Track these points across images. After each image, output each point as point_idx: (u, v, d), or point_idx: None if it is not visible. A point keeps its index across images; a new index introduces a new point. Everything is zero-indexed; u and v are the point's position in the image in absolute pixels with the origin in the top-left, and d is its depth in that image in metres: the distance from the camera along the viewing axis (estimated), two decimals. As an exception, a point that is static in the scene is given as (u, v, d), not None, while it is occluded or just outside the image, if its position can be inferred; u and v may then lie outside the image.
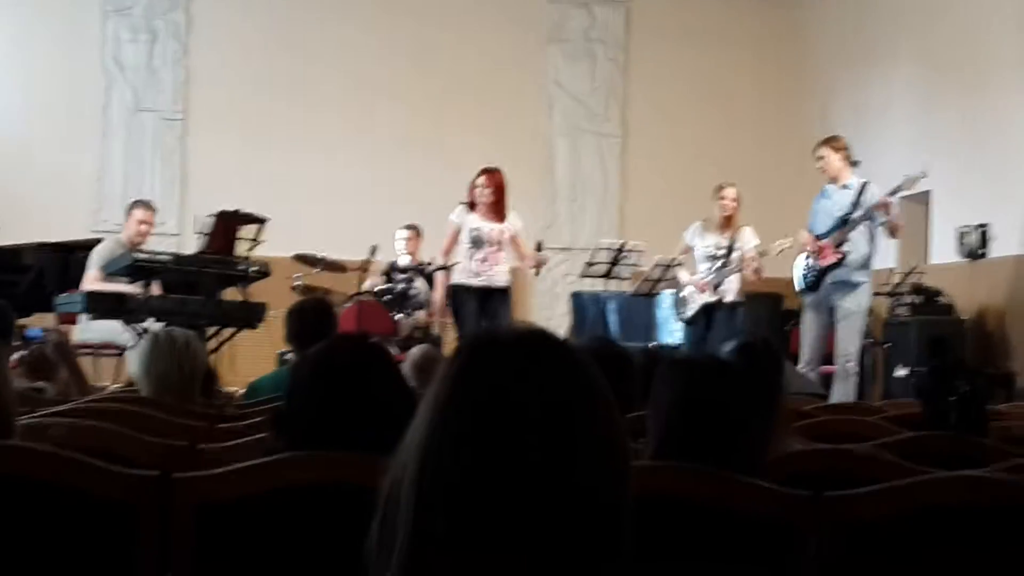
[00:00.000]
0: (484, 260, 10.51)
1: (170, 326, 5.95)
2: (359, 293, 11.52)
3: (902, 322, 12.11)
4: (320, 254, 11.95)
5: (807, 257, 10.16)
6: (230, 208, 10.25)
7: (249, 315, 10.12)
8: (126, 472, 2.92)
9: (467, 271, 10.54)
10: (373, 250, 11.55)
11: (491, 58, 15.48)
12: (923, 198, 12.89)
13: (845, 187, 10.12)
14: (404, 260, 12.09)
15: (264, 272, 10.19)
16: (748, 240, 10.70)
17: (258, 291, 10.41)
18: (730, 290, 10.71)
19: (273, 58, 15.07)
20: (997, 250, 11.86)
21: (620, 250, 11.34)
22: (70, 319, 10.30)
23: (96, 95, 14.97)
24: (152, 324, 9.05)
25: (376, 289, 11.84)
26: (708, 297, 10.70)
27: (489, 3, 15.53)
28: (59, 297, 10.03)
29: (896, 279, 12.46)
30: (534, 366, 1.55)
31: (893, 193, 9.91)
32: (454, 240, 10.67)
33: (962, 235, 12.13)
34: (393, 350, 6.02)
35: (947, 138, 12.54)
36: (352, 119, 15.07)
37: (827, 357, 10.29)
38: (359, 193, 14.77)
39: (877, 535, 2.98)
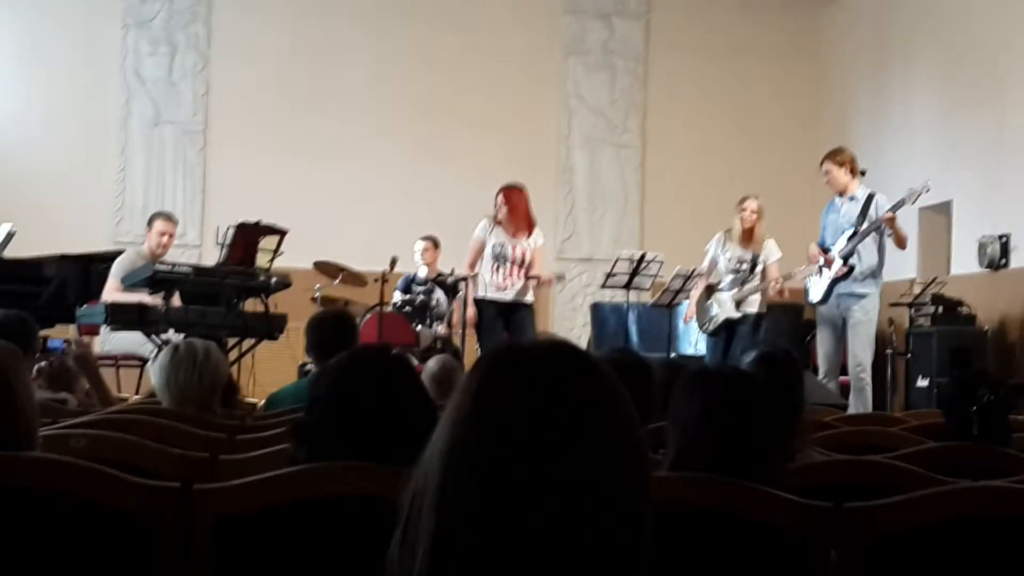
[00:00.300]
0: (507, 276, 10.49)
1: (190, 337, 5.95)
2: (380, 304, 11.51)
3: (923, 332, 12.08)
4: (340, 265, 11.95)
5: (817, 271, 10.19)
6: (250, 219, 10.27)
7: (269, 326, 10.13)
8: (146, 483, 2.92)
9: (490, 286, 10.51)
10: (393, 262, 11.55)
11: (511, 70, 15.50)
12: (944, 208, 12.86)
13: (852, 199, 10.12)
14: (422, 272, 12.09)
15: (285, 283, 10.19)
16: (772, 253, 10.68)
17: (279, 302, 10.42)
18: (752, 302, 10.67)
19: (293, 70, 15.10)
20: (1018, 260, 11.81)
21: (640, 261, 11.31)
22: (91, 330, 10.32)
23: (116, 108, 15.03)
24: (172, 335, 9.06)
25: (396, 300, 11.86)
26: (732, 313, 10.67)
27: (509, 15, 15.54)
28: (80, 308, 10.05)
29: (917, 289, 12.42)
30: (555, 378, 1.54)
31: (897, 207, 9.88)
32: (478, 254, 10.63)
33: (983, 245, 12.08)
34: (413, 361, 6.01)
35: (968, 148, 12.51)
36: (372, 130, 15.10)
37: (845, 368, 10.29)
38: (379, 204, 14.79)
39: (898, 546, 2.96)
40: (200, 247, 14.44)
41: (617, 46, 15.96)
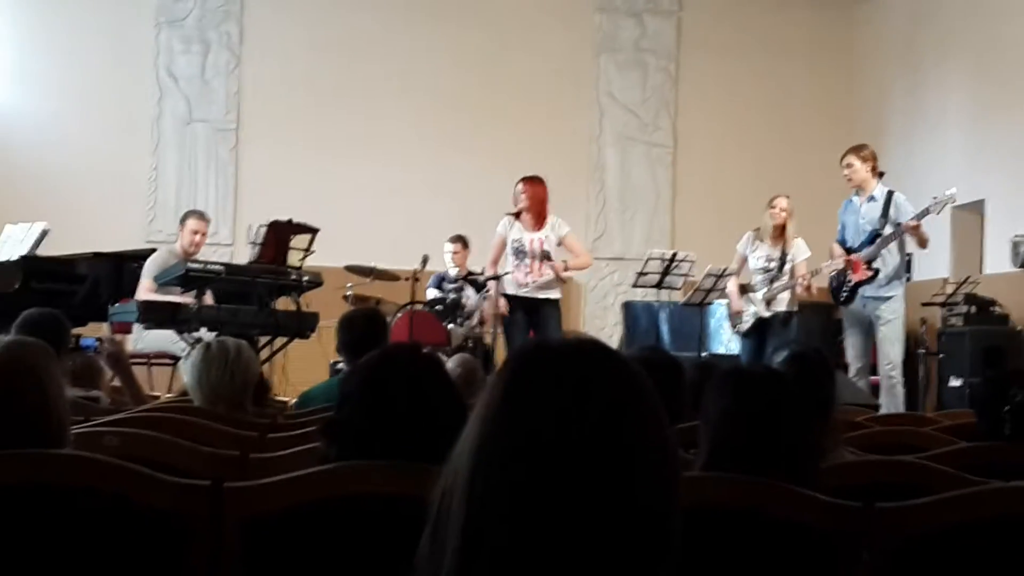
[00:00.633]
0: (529, 271, 10.49)
1: (222, 335, 5.97)
2: (412, 303, 11.52)
3: (956, 332, 12.02)
4: (371, 264, 11.96)
5: (840, 272, 10.18)
6: (283, 218, 10.29)
7: (301, 325, 10.14)
8: (177, 482, 2.93)
9: (514, 282, 10.52)
10: (424, 260, 11.56)
11: (542, 68, 15.50)
12: (978, 208, 12.80)
13: (872, 199, 10.08)
14: (452, 271, 12.11)
15: (316, 282, 10.21)
16: (800, 251, 10.64)
17: (311, 301, 10.44)
18: (783, 300, 10.64)
19: (325, 68, 15.14)
20: (1052, 259, 11.76)
21: (672, 260, 11.29)
22: (124, 328, 10.37)
23: (150, 106, 15.11)
24: (205, 334, 9.09)
25: (430, 297, 11.88)
26: (763, 311, 10.64)
27: (541, 13, 15.55)
28: (113, 307, 10.09)
29: (949, 289, 12.37)
30: (584, 375, 1.54)
31: (922, 216, 9.81)
32: (500, 251, 10.65)
33: (1017, 244, 12.02)
34: (445, 360, 6.02)
35: (1002, 147, 12.45)
36: (404, 129, 15.12)
37: (874, 367, 10.27)
38: (410, 201, 14.83)
39: (930, 547, 2.95)
40: (232, 245, 14.49)
41: (649, 44, 15.95)
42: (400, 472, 2.78)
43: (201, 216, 10.84)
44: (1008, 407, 4.35)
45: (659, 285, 11.39)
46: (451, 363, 6.56)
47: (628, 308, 14.03)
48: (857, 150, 10.25)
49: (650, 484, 1.52)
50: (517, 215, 10.56)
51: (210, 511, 2.85)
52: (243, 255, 11.42)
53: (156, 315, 9.62)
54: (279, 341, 10.23)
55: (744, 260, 10.88)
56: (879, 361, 10.10)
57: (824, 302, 11.10)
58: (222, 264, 10.20)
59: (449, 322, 11.65)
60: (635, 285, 11.72)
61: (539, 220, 10.58)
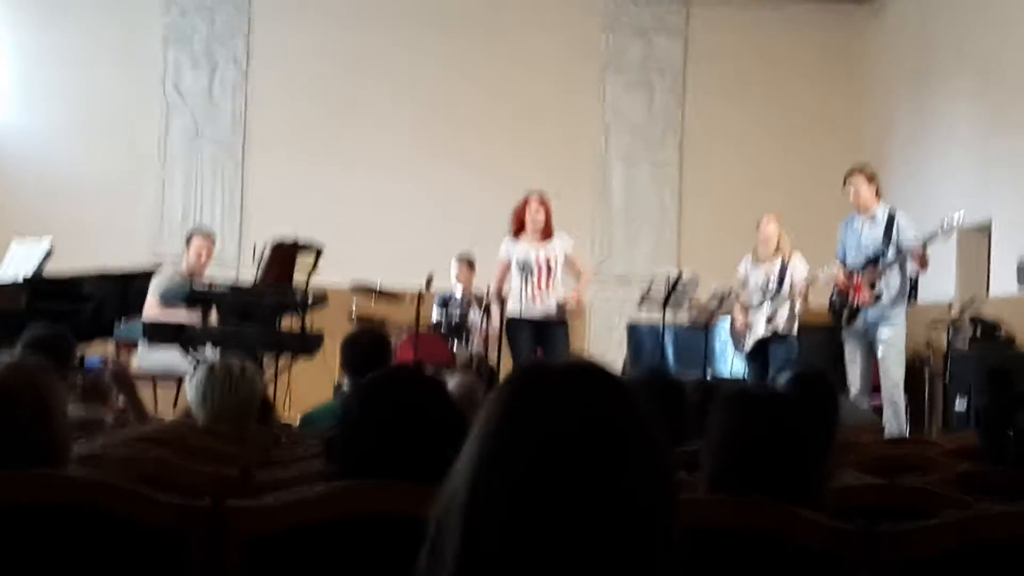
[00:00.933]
0: (537, 288, 10.48)
1: (226, 355, 5.98)
2: (416, 323, 11.51)
3: (962, 355, 11.99)
4: (377, 282, 11.96)
5: (839, 294, 10.19)
6: (287, 237, 10.30)
7: (306, 344, 10.14)
8: (178, 501, 2.93)
9: (521, 301, 10.50)
10: (429, 280, 11.56)
11: (549, 86, 15.52)
12: (984, 228, 12.77)
13: (873, 219, 10.08)
14: (458, 292, 12.11)
15: (321, 300, 10.22)
16: (799, 270, 10.65)
17: (317, 320, 10.44)
18: (783, 320, 10.64)
19: (333, 86, 15.17)
20: (1059, 281, 11.73)
21: (677, 279, 11.28)
22: (129, 346, 10.38)
23: (157, 122, 15.14)
24: (211, 352, 9.10)
25: (435, 318, 11.89)
26: (762, 332, 10.65)
27: (548, 31, 15.56)
28: (119, 325, 10.10)
29: (955, 311, 12.34)
30: (582, 397, 1.55)
31: (928, 240, 9.80)
32: (505, 272, 10.63)
33: (1023, 265, 11.98)
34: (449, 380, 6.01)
35: (1009, 165, 12.40)
36: (410, 146, 15.14)
37: (876, 387, 10.27)
38: (416, 220, 14.85)
39: (932, 570, 2.94)
40: (239, 262, 14.49)
41: (655, 63, 15.95)
42: (403, 493, 2.78)
43: (206, 235, 10.86)
44: (1013, 430, 4.34)
45: (664, 305, 11.36)
46: (452, 383, 6.55)
47: (633, 330, 13.99)
48: (862, 171, 10.27)
49: (648, 506, 1.52)
50: (517, 233, 10.59)
51: (212, 530, 2.85)
52: (249, 271, 11.42)
53: (162, 334, 9.64)
54: (284, 361, 10.22)
55: (745, 282, 10.89)
56: (882, 383, 10.10)
57: (828, 324, 11.09)
58: (227, 284, 10.22)
59: (454, 342, 11.64)
60: (640, 305, 11.70)
61: (547, 235, 10.60)
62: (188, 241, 10.77)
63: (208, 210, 15.05)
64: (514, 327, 10.55)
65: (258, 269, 10.25)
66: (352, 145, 15.09)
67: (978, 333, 11.98)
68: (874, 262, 10.00)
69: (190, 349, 9.50)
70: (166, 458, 3.83)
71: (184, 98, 15.26)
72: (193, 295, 9.59)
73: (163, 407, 9.97)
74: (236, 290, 9.98)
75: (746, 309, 10.88)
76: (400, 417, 2.95)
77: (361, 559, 2.84)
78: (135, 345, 10.29)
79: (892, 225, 10.00)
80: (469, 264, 12.27)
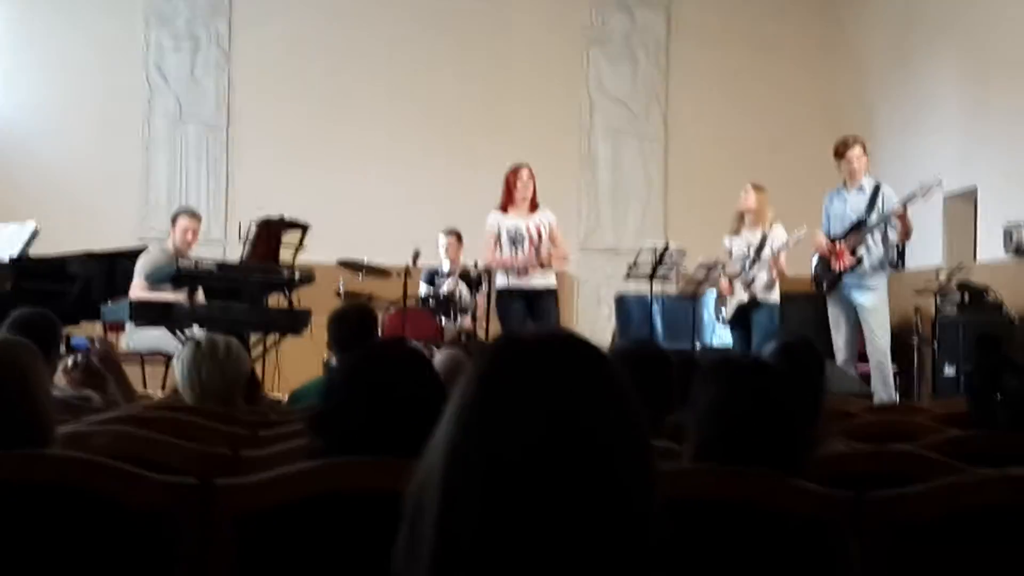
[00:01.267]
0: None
1: (213, 333, 5.97)
2: (404, 298, 11.51)
3: (950, 320, 12.01)
4: (363, 260, 11.94)
5: (822, 260, 10.23)
6: (273, 215, 10.28)
7: (294, 322, 10.14)
8: (165, 480, 2.92)
9: (510, 272, 10.53)
10: (415, 255, 11.55)
11: (532, 62, 15.49)
12: (970, 195, 12.79)
13: (860, 189, 10.13)
14: (446, 265, 12.10)
15: (308, 278, 10.21)
16: (778, 237, 10.66)
17: (304, 298, 10.43)
18: (761, 284, 10.63)
19: (315, 65, 15.12)
20: (1045, 246, 11.73)
21: (664, 251, 11.28)
22: (117, 326, 10.36)
23: (140, 104, 15.09)
24: (198, 331, 9.09)
25: (422, 293, 11.88)
26: (742, 296, 10.67)
27: (530, 7, 15.53)
28: (106, 305, 10.08)
29: (943, 277, 12.35)
30: (558, 369, 1.54)
31: (907, 201, 9.85)
32: (496, 245, 10.66)
33: (1008, 232, 12.00)
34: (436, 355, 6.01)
35: (993, 134, 12.42)
36: (394, 124, 15.11)
37: (862, 354, 10.31)
38: (401, 198, 14.82)
39: (922, 536, 2.94)
40: (224, 243, 14.46)
41: (639, 37, 15.92)
42: (390, 468, 2.77)
43: (192, 214, 10.83)
44: (1001, 394, 4.34)
45: (652, 277, 11.36)
46: (437, 357, 6.55)
47: (621, 301, 14.02)
48: (860, 141, 10.32)
49: (626, 479, 1.51)
50: (504, 207, 10.62)
51: (200, 509, 2.84)
52: (235, 252, 11.40)
53: (149, 313, 9.63)
54: (272, 338, 10.22)
55: (730, 252, 10.92)
56: (868, 351, 10.15)
57: (811, 293, 11.11)
58: (214, 262, 10.20)
59: (442, 317, 11.64)
60: (627, 277, 11.71)
61: (533, 206, 10.66)
62: (174, 221, 10.74)
63: (193, 191, 15.01)
64: (505, 299, 10.58)
65: (244, 248, 10.23)
66: (337, 125, 15.05)
67: (966, 299, 11.99)
68: (857, 228, 10.03)
69: (178, 328, 9.49)
70: (153, 437, 3.82)
71: (167, 80, 15.20)
72: (180, 274, 9.58)
73: (152, 386, 9.96)
74: (223, 268, 9.96)
75: (731, 280, 10.89)
76: (384, 392, 2.94)
77: (350, 534, 2.83)
78: (122, 326, 10.27)
79: (877, 194, 10.05)
80: (458, 237, 12.26)
